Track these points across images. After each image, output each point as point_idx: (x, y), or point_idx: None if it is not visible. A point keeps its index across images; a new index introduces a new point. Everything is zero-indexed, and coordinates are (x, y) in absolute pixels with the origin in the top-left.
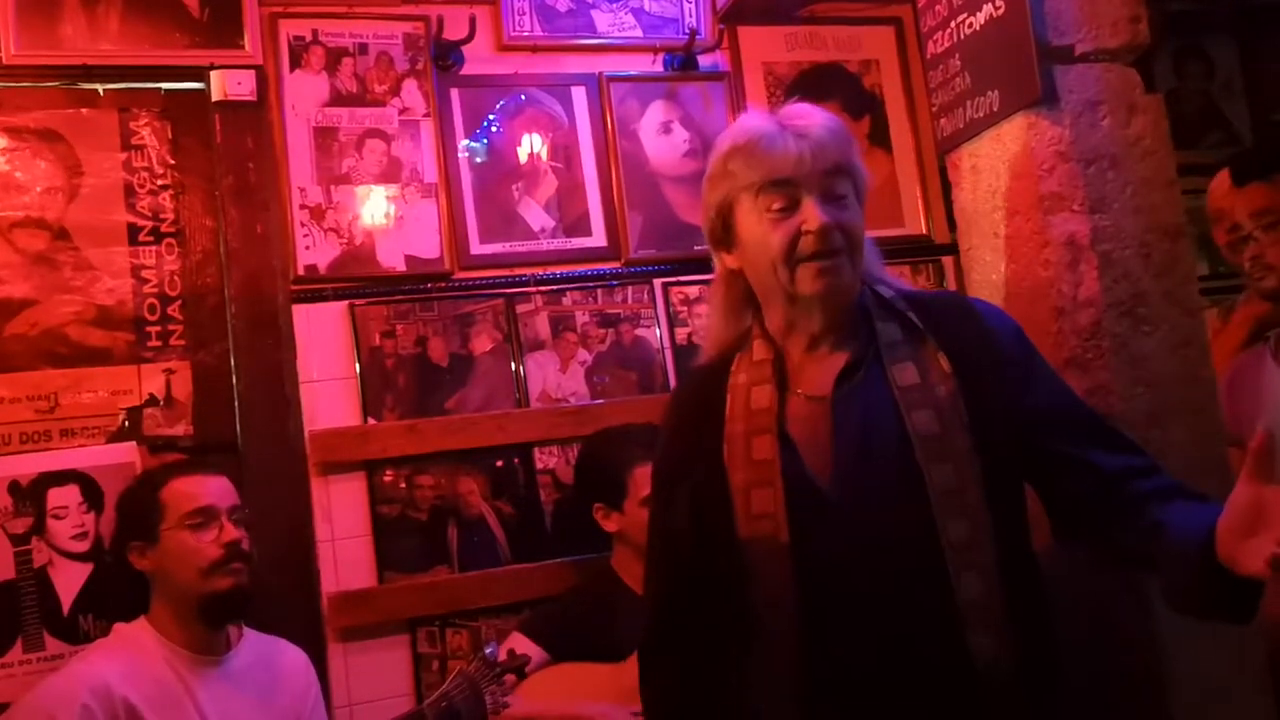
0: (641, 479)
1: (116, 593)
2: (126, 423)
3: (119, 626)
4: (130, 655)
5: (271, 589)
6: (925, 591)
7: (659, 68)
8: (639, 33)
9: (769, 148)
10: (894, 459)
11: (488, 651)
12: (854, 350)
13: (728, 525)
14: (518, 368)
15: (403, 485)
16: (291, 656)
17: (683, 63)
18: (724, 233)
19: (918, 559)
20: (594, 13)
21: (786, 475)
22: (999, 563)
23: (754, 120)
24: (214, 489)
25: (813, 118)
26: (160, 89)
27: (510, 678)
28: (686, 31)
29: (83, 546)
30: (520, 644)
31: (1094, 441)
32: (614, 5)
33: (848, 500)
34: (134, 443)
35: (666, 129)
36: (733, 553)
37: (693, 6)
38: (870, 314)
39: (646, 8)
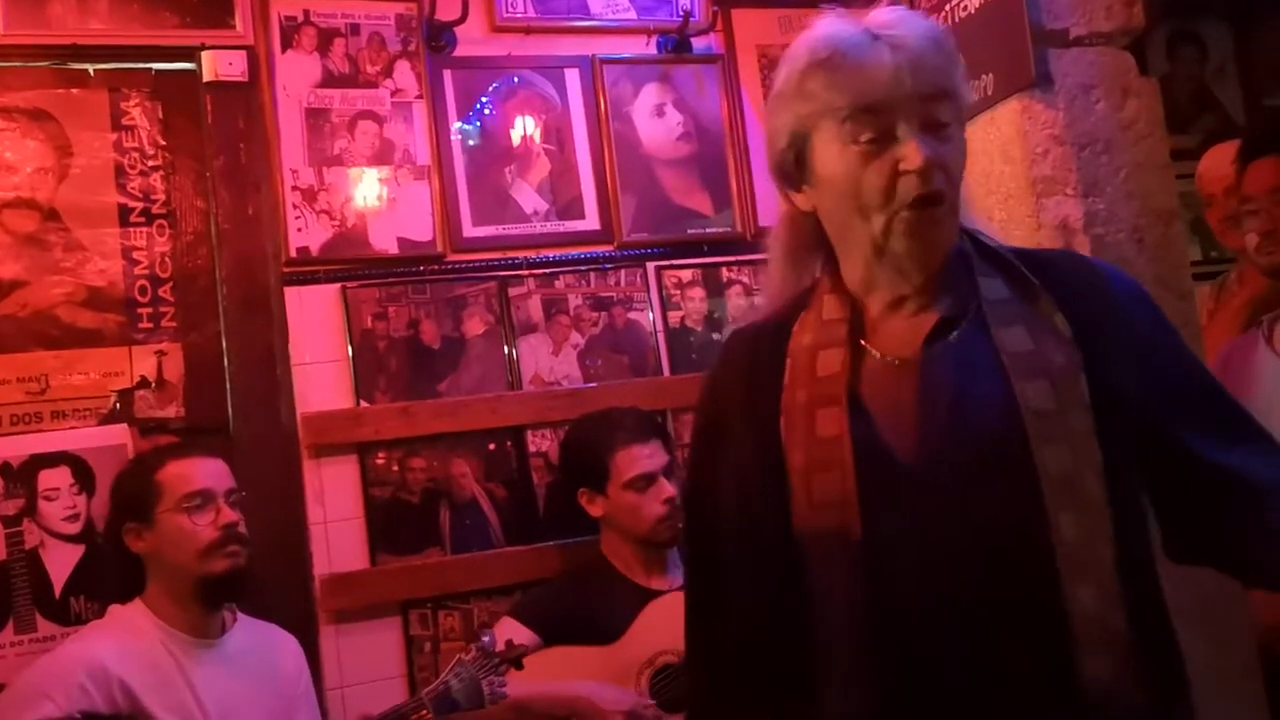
0: (624, 462)
1: (108, 574)
2: (118, 404)
3: (114, 608)
4: (126, 636)
5: (263, 571)
6: (1028, 601)
7: (652, 50)
8: (632, 15)
9: (858, 63)
10: (996, 437)
11: (485, 640)
12: (948, 307)
13: (783, 516)
14: (510, 351)
15: (395, 468)
16: (284, 642)
17: (676, 45)
18: (795, 166)
19: (1020, 560)
20: None
21: (859, 452)
22: (1119, 569)
23: (836, 26)
24: (211, 471)
25: (911, 24)
26: (151, 69)
27: (508, 668)
28: (680, 14)
29: (74, 528)
30: (511, 628)
31: (1237, 439)
32: None
33: (935, 483)
34: (125, 425)
35: (660, 112)
36: (786, 550)
37: None
38: (970, 266)
39: None
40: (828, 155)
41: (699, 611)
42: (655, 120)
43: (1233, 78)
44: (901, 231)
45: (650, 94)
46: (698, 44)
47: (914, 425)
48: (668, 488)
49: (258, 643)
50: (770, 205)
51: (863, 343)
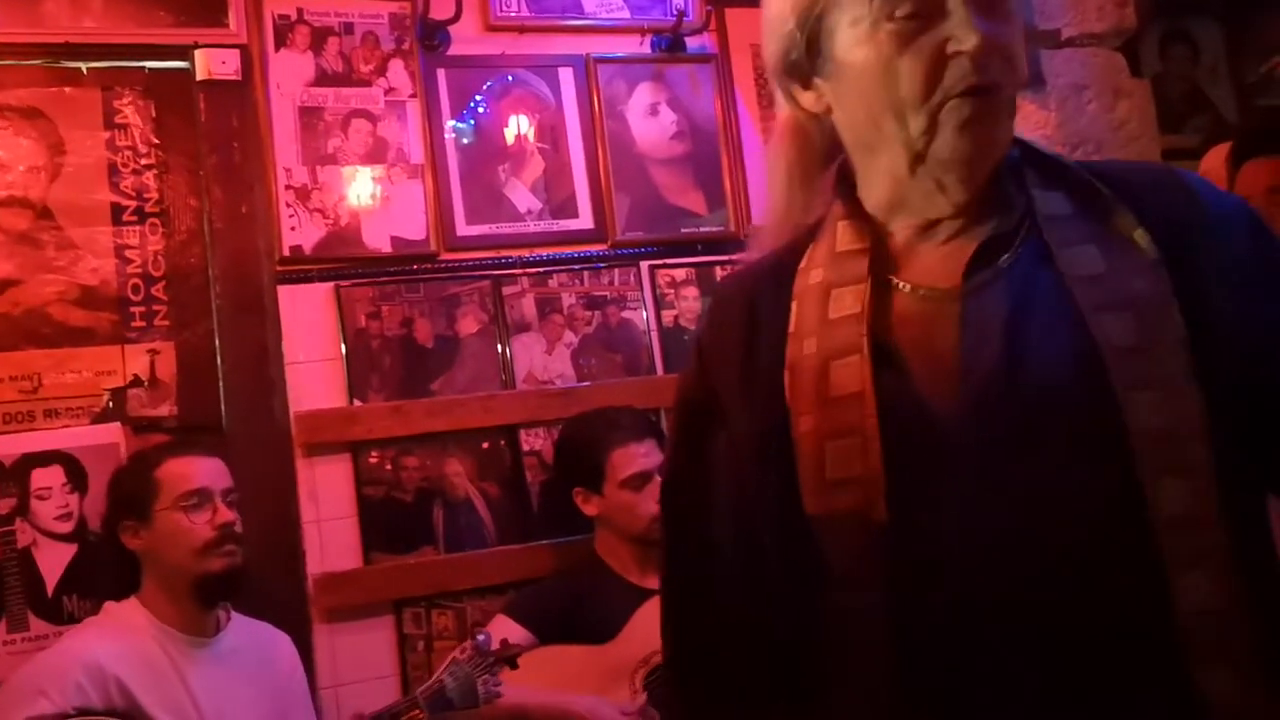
0: (620, 461)
1: (103, 571)
2: (110, 403)
3: (109, 605)
4: (122, 634)
5: (257, 570)
6: (1119, 596)
7: (646, 49)
8: (626, 14)
9: None
10: (1065, 384)
11: (480, 640)
12: (995, 227)
13: (787, 499)
14: (504, 349)
15: (388, 466)
16: (278, 641)
17: (670, 44)
18: (805, 55)
19: (1106, 545)
20: None
21: (885, 414)
22: (1236, 555)
23: None
24: (208, 470)
25: None
26: (144, 67)
27: (503, 668)
28: (674, 13)
29: (67, 527)
30: (505, 627)
31: None
32: None
33: (986, 449)
34: (118, 423)
35: (654, 111)
36: (793, 536)
37: None
38: (1022, 179)
39: None
40: (851, 37)
41: (682, 622)
42: (649, 119)
43: (1225, 78)
44: (951, 128)
45: (644, 93)
46: (692, 43)
47: (955, 375)
48: None
49: (252, 641)
50: (763, 204)
51: (889, 278)
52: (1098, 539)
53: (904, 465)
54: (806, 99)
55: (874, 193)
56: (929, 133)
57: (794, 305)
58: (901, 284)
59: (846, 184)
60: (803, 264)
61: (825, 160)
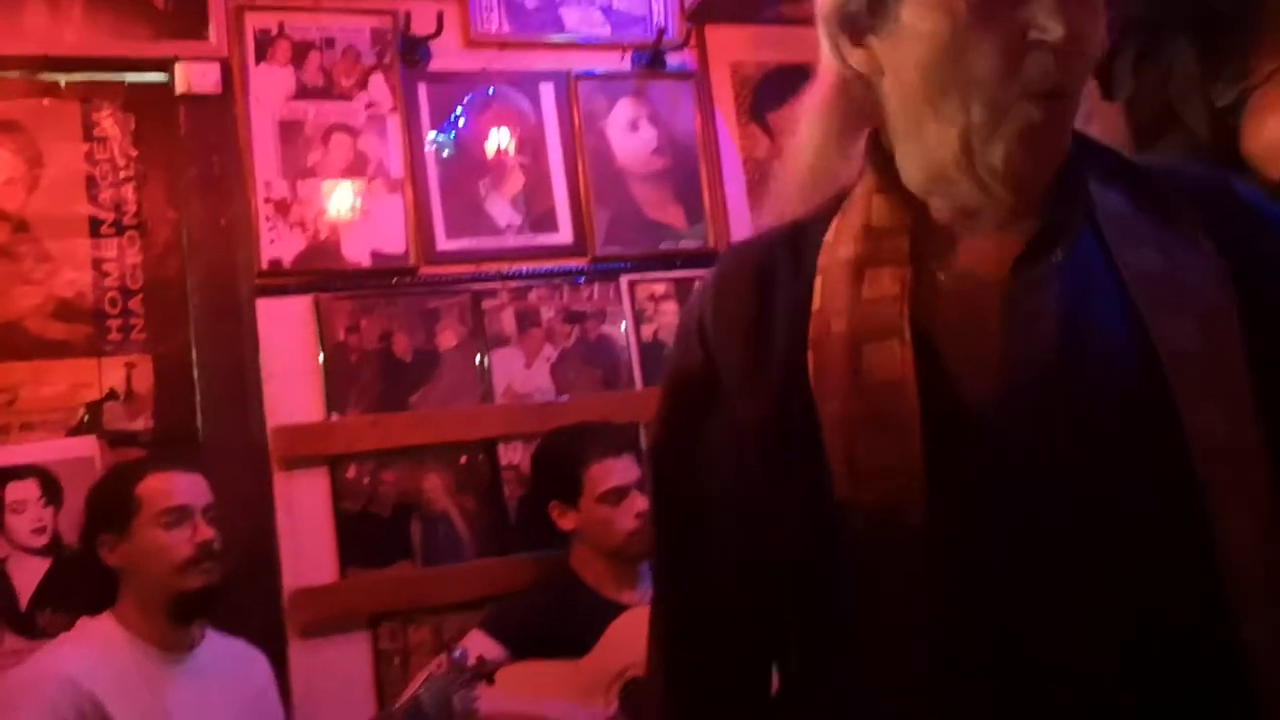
0: (598, 475)
1: (76, 588)
2: (86, 416)
3: (84, 620)
4: (96, 649)
5: (232, 584)
6: (1176, 624)
7: (627, 65)
8: (607, 30)
9: None
10: (1123, 384)
11: (456, 655)
12: (1049, 214)
13: (811, 487)
14: (483, 363)
15: (366, 480)
16: (253, 657)
17: (650, 60)
18: (866, 9)
19: (1165, 571)
20: (562, 10)
21: (924, 404)
22: None
23: None
24: (189, 487)
25: None
26: (123, 80)
27: (480, 682)
28: (655, 30)
29: (41, 541)
30: (481, 642)
31: None
32: (582, 2)
33: (1033, 443)
34: (94, 437)
35: (634, 126)
36: (815, 532)
37: (661, 5)
38: (1080, 171)
39: (615, 5)
40: (922, 2)
41: (675, 628)
42: (629, 135)
43: (1198, 98)
44: (1013, 132)
45: (624, 109)
46: (672, 60)
47: (999, 367)
48: (640, 502)
49: (227, 658)
50: (743, 220)
51: (929, 263)
52: (1152, 548)
53: (941, 457)
54: (856, 56)
55: (913, 169)
56: (989, 127)
57: (819, 280)
58: (941, 267)
59: (881, 154)
60: (828, 236)
61: (862, 124)
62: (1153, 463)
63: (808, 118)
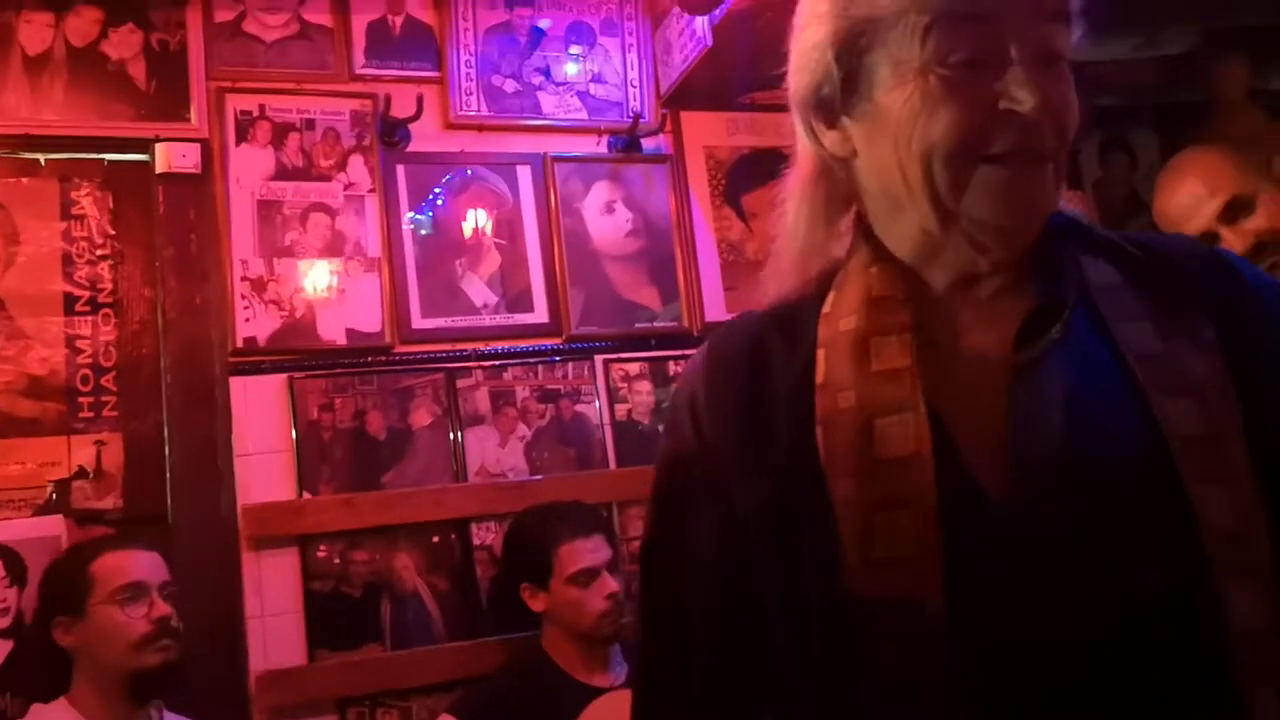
0: (567, 557)
1: (37, 671)
2: (54, 495)
3: (37, 707)
4: None
5: (197, 666)
6: (1196, 710)
7: (603, 149)
8: (584, 115)
9: None
10: (1131, 471)
11: None
12: (1042, 291)
13: (818, 574)
14: (456, 442)
15: (337, 560)
16: None
17: (626, 144)
18: (840, 92)
19: (1178, 653)
20: (540, 94)
21: (937, 483)
22: None
23: None
24: (144, 564)
25: None
26: (103, 159)
27: None
28: (630, 115)
29: (4, 623)
30: None
31: None
32: (560, 87)
33: (1043, 528)
34: (61, 516)
35: (610, 208)
36: (820, 623)
37: (637, 91)
38: (1067, 242)
39: (592, 91)
40: (894, 78)
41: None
42: (605, 216)
43: None
44: (986, 190)
45: (600, 191)
46: (647, 144)
47: (1006, 450)
48: (610, 583)
49: None
50: (716, 301)
51: (931, 335)
52: (1167, 631)
53: (956, 541)
54: (830, 139)
55: (903, 244)
56: (956, 190)
57: (821, 354)
58: (943, 347)
59: (869, 229)
60: (826, 309)
61: (848, 202)
62: (1164, 546)
63: (793, 201)
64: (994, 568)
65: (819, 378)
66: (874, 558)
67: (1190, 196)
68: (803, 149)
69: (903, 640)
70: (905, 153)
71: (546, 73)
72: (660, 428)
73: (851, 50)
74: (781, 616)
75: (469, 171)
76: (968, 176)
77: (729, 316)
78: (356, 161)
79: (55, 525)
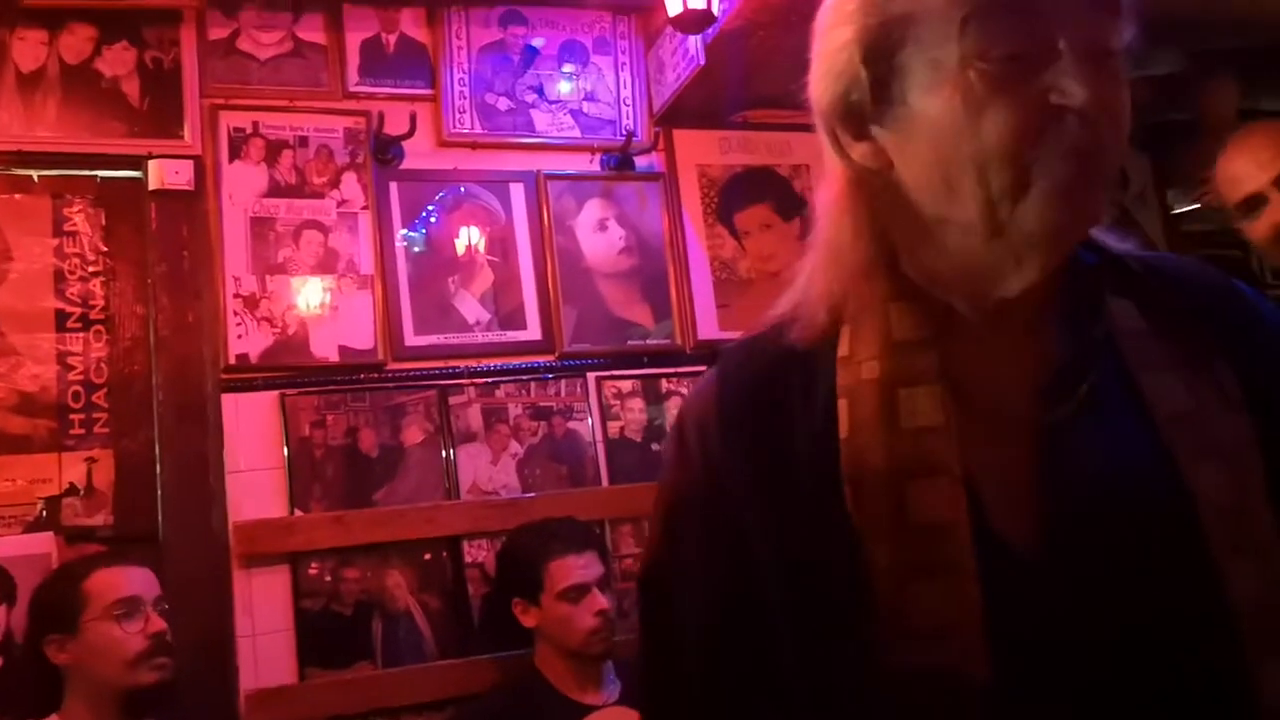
0: (558, 572)
1: (27, 690)
2: (44, 512)
3: None
4: None
5: (187, 686)
6: None
7: (596, 167)
8: (577, 133)
9: None
10: (1164, 541)
11: None
12: (1068, 339)
13: (848, 640)
14: (448, 459)
15: (328, 578)
16: None
17: (619, 162)
18: (869, 97)
19: (1206, 715)
20: (533, 112)
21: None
22: None
23: None
24: (138, 579)
25: None
26: (96, 176)
27: None
28: (623, 133)
29: None
30: None
31: None
32: (553, 105)
33: (1074, 597)
34: (51, 533)
35: (602, 226)
36: (841, 691)
37: (630, 109)
38: (1095, 279)
39: (585, 109)
40: (930, 79)
41: None
42: (598, 234)
43: (1153, 205)
44: (1044, 190)
45: (593, 209)
46: (640, 162)
47: (1034, 513)
48: (600, 600)
49: None
50: (709, 319)
51: (959, 382)
52: (1200, 708)
53: (996, 610)
54: (860, 151)
55: (937, 265)
56: (1015, 193)
57: (843, 404)
58: (972, 398)
59: (890, 256)
60: (843, 351)
61: (876, 228)
62: (1195, 615)
63: (829, 218)
64: (1031, 633)
65: (843, 431)
66: (913, 626)
67: (1248, 163)
68: (832, 165)
69: (949, 713)
70: (952, 160)
71: (540, 91)
72: (654, 445)
73: (882, 51)
74: (803, 677)
75: (462, 189)
76: (1026, 176)
77: (721, 334)
78: (350, 179)
79: (45, 543)
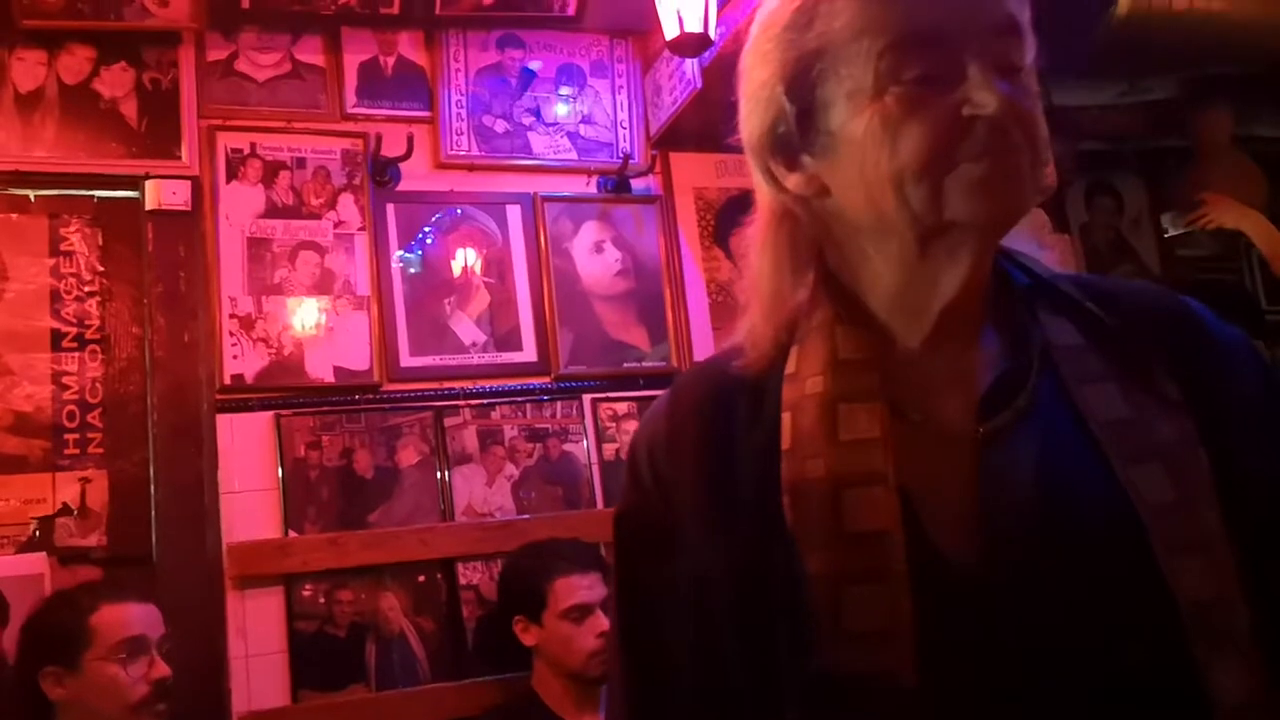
0: (562, 591)
1: (15, 716)
2: (37, 532)
3: None
4: None
5: (181, 707)
6: None
7: (593, 189)
8: (574, 155)
9: None
10: (1104, 545)
11: None
12: (1004, 354)
13: (786, 646)
14: (444, 481)
15: (322, 600)
16: None
17: (616, 185)
18: (796, 129)
19: (1153, 714)
20: (530, 134)
21: (907, 557)
22: None
23: None
24: (144, 617)
25: None
26: (93, 196)
27: None
28: (620, 156)
29: None
30: None
31: None
32: (550, 128)
33: (1016, 604)
34: (44, 553)
35: (599, 248)
36: (787, 696)
37: (627, 132)
38: (1026, 297)
39: (582, 132)
40: (850, 107)
41: None
42: (594, 256)
43: (1148, 228)
44: (961, 187)
45: (590, 231)
46: (637, 185)
47: (973, 524)
48: (603, 622)
49: None
50: (705, 341)
51: (899, 401)
52: (1146, 703)
53: (928, 615)
54: (793, 181)
55: (877, 286)
56: (935, 202)
57: (787, 417)
58: (913, 414)
59: (835, 281)
60: (790, 369)
61: (813, 247)
62: (1140, 618)
63: (755, 250)
64: (966, 640)
65: (785, 443)
66: (846, 630)
67: None
68: (761, 196)
69: (877, 713)
70: (874, 180)
71: (537, 113)
72: None
73: (803, 84)
74: (749, 685)
75: (459, 210)
76: (941, 186)
77: None
78: (346, 200)
79: (38, 563)
